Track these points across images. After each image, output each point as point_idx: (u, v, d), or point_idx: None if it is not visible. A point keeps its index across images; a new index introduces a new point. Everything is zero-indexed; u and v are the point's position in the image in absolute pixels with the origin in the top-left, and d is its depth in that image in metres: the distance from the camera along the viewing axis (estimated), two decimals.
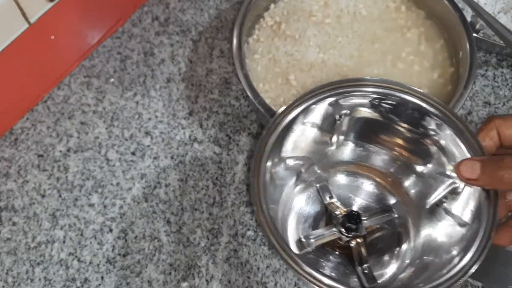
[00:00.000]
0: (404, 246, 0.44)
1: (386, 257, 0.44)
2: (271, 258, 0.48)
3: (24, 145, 0.53)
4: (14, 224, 0.49)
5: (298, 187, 0.46)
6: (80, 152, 0.52)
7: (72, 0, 0.51)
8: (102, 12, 0.57)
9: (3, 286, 0.46)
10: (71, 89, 0.56)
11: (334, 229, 0.43)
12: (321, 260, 0.44)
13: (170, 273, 0.47)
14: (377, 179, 0.47)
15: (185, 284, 0.46)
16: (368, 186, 0.47)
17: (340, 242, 0.43)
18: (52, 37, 0.52)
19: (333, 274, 0.43)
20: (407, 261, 0.43)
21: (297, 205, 0.46)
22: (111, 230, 0.49)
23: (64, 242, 0.48)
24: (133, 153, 0.52)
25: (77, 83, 0.56)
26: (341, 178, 0.47)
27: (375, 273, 0.42)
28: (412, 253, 0.43)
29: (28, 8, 0.47)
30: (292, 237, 0.45)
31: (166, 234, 0.48)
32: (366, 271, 0.42)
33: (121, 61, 0.58)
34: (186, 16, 0.61)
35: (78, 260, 0.47)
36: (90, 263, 0.47)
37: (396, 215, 0.44)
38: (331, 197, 0.45)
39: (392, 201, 0.46)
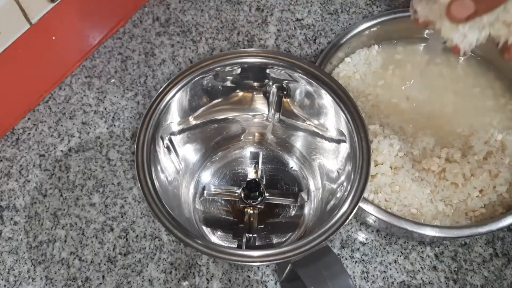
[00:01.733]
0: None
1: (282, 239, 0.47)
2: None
3: (25, 145, 0.53)
4: (15, 223, 0.49)
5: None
6: (81, 152, 0.53)
7: (73, 0, 0.51)
8: (103, 12, 0.57)
9: (5, 286, 0.47)
10: (72, 89, 0.56)
11: (237, 189, 0.46)
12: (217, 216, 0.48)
13: (170, 272, 0.47)
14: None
15: (185, 283, 0.47)
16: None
17: (241, 206, 0.47)
18: (54, 37, 0.52)
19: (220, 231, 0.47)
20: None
21: (220, 163, 0.50)
22: (112, 230, 0.49)
23: (65, 241, 0.48)
24: (133, 153, 0.52)
25: (78, 83, 0.56)
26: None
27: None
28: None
29: (30, 9, 0.47)
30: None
31: (167, 233, 0.49)
32: (250, 240, 0.45)
33: (122, 62, 0.58)
34: (187, 16, 0.61)
35: (79, 259, 0.48)
36: (91, 262, 0.48)
37: (298, 204, 0.47)
38: (256, 164, 0.48)
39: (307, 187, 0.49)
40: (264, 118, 0.49)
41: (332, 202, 0.42)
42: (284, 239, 0.46)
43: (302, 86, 0.44)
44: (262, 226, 0.47)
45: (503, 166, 0.48)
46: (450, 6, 0.32)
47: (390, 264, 0.47)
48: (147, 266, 0.47)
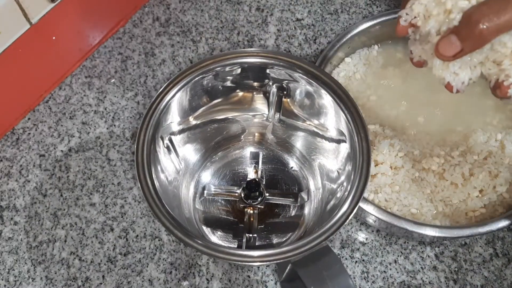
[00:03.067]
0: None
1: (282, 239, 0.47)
2: None
3: (25, 145, 0.53)
4: (15, 223, 0.49)
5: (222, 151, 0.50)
6: (81, 152, 0.53)
7: (73, 0, 0.51)
8: (103, 12, 0.57)
9: (5, 286, 0.47)
10: (72, 89, 0.56)
11: (237, 189, 0.46)
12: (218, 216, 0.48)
13: (171, 272, 0.47)
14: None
15: (185, 283, 0.47)
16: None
17: (241, 206, 0.47)
18: (54, 37, 0.52)
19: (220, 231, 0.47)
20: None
21: (220, 163, 0.50)
22: (112, 230, 0.49)
23: (65, 241, 0.48)
24: (134, 153, 0.52)
25: (78, 83, 0.56)
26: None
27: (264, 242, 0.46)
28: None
29: (30, 9, 0.47)
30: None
31: (167, 233, 0.49)
32: (251, 240, 0.45)
33: (122, 62, 0.58)
34: (187, 16, 0.61)
35: (80, 259, 0.48)
36: (91, 262, 0.48)
37: (298, 204, 0.47)
38: (257, 164, 0.48)
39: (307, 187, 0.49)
40: (264, 118, 0.49)
41: (332, 202, 0.42)
42: (284, 239, 0.46)
43: (302, 86, 0.44)
44: (262, 226, 0.47)
45: (503, 166, 0.48)
46: (438, 44, 0.34)
47: (390, 264, 0.47)
48: (147, 266, 0.47)
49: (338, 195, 0.42)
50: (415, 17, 0.36)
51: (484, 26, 0.31)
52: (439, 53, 0.34)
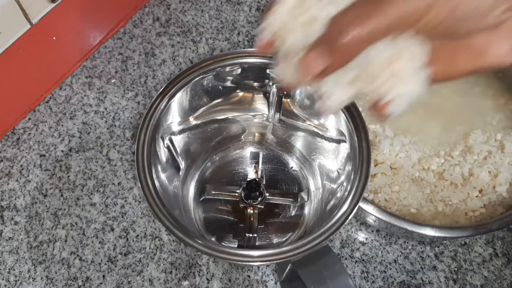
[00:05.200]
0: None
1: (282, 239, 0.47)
2: None
3: (26, 145, 0.53)
4: (16, 223, 0.49)
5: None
6: (81, 152, 0.53)
7: (74, 1, 0.51)
8: (103, 13, 0.57)
9: (5, 285, 0.47)
10: (72, 90, 0.56)
11: (237, 189, 0.47)
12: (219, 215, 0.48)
13: (171, 272, 0.47)
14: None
15: (186, 283, 0.47)
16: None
17: (241, 206, 0.47)
18: (54, 37, 0.52)
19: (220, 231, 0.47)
20: None
21: (221, 162, 0.50)
22: (112, 229, 0.49)
23: (66, 241, 0.48)
24: (134, 153, 0.52)
25: (78, 84, 0.57)
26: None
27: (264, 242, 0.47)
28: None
29: (30, 9, 0.47)
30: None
31: (167, 233, 0.49)
32: (251, 240, 0.45)
33: (123, 62, 0.58)
34: (187, 17, 0.61)
35: (80, 259, 0.48)
36: (91, 262, 0.48)
37: (298, 204, 0.47)
38: (257, 164, 0.48)
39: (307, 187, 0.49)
40: (264, 118, 0.49)
41: (332, 202, 0.43)
42: (284, 239, 0.46)
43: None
44: (262, 226, 0.47)
45: (503, 166, 0.48)
46: (302, 61, 0.26)
47: (390, 264, 0.47)
48: (147, 266, 0.47)
49: (338, 195, 0.42)
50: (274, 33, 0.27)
51: (350, 36, 0.24)
52: (304, 71, 0.26)
